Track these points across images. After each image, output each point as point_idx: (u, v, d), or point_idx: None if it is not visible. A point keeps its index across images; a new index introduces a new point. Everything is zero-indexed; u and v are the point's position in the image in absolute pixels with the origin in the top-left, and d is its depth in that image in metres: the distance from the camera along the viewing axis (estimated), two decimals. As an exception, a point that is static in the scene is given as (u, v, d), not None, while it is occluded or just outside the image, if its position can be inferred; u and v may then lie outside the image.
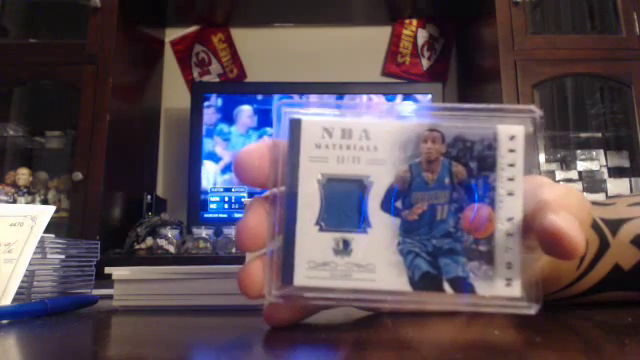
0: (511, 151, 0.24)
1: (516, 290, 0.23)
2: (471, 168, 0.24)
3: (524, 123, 0.24)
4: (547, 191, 0.26)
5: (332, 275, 0.24)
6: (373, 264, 0.24)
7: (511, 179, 0.24)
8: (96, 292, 0.45)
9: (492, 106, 0.25)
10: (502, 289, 0.23)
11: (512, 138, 0.24)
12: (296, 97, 1.92)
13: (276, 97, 1.92)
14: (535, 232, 0.24)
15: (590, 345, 0.22)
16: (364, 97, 1.93)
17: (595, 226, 0.34)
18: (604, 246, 0.34)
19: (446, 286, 0.24)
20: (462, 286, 0.23)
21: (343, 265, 0.24)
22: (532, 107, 0.24)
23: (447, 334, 0.26)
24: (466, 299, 0.24)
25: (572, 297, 0.35)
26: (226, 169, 1.91)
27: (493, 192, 0.24)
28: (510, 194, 0.24)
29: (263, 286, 0.24)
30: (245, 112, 1.92)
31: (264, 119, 1.92)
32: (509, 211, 0.24)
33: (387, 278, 0.24)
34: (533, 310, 0.23)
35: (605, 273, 0.34)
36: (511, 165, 0.24)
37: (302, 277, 0.24)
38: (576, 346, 0.22)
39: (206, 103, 1.91)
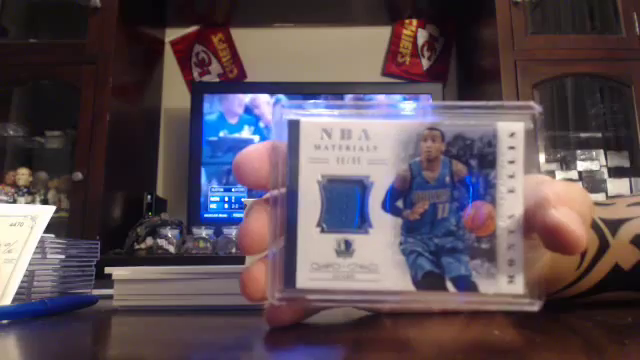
0: (511, 148, 0.24)
1: (519, 287, 0.23)
2: (471, 166, 0.24)
3: (524, 120, 0.24)
4: (547, 188, 0.26)
5: (335, 276, 0.24)
6: (376, 264, 0.24)
7: (511, 176, 0.24)
8: (96, 292, 0.45)
9: (491, 103, 0.25)
10: (505, 286, 0.23)
11: (512, 135, 0.24)
12: (293, 97, 1.92)
13: (279, 97, 1.92)
14: (536, 228, 0.24)
15: (590, 345, 0.22)
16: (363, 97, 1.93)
17: (595, 226, 0.34)
18: (604, 246, 0.34)
19: (449, 285, 0.24)
20: (465, 284, 0.23)
21: (346, 266, 0.24)
22: (531, 103, 0.24)
23: (447, 334, 0.26)
24: (469, 297, 0.24)
25: (572, 297, 0.35)
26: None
27: (494, 189, 0.24)
28: (511, 191, 0.24)
29: (266, 289, 0.24)
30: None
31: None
32: (510, 208, 0.24)
33: (390, 278, 0.24)
34: (536, 307, 0.23)
35: (605, 273, 0.34)
36: (511, 162, 0.24)
37: (305, 279, 0.24)
38: (576, 346, 0.22)
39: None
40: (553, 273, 0.32)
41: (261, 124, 1.91)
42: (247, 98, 1.92)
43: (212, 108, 1.91)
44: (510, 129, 0.24)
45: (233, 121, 1.91)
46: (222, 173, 1.89)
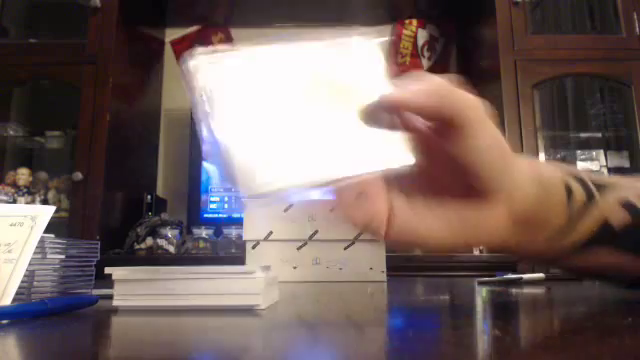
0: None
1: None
2: None
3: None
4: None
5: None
6: None
7: None
8: (96, 292, 0.45)
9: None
10: None
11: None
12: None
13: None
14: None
15: (590, 345, 0.22)
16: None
17: (580, 180, 0.36)
18: (590, 196, 0.36)
19: None
20: None
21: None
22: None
23: (447, 334, 0.26)
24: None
25: (566, 254, 0.36)
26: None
27: None
28: None
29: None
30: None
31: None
32: None
33: None
34: None
35: (596, 226, 0.35)
36: None
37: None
38: (576, 346, 0.22)
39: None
40: (542, 209, 0.34)
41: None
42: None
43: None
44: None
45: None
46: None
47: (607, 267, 0.36)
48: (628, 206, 0.36)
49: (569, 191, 0.35)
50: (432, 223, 0.33)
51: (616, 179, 0.38)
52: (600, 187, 0.36)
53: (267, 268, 0.36)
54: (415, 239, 0.34)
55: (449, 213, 0.33)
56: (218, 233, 1.74)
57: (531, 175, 0.35)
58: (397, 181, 0.34)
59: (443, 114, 0.31)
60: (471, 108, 0.32)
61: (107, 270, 0.36)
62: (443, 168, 0.33)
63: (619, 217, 0.35)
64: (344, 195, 0.32)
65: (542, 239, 0.35)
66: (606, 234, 0.35)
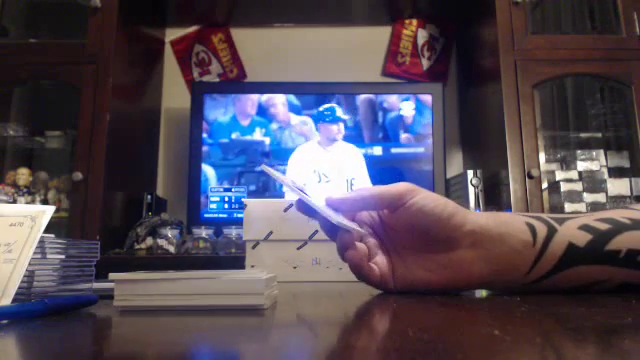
0: None
1: None
2: None
3: None
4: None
5: None
6: None
7: None
8: (96, 286, 0.45)
9: None
10: None
11: None
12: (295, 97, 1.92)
13: (277, 96, 1.92)
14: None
15: (590, 345, 0.22)
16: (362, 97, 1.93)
17: (538, 218, 0.42)
18: (552, 230, 0.41)
19: None
20: None
21: None
22: None
23: (447, 334, 0.26)
24: None
25: (546, 276, 0.40)
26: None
27: None
28: None
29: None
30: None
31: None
32: None
33: None
34: None
35: (563, 250, 0.40)
36: None
37: None
38: (576, 346, 0.22)
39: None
40: (511, 257, 0.40)
41: (273, 126, 1.91)
42: (264, 97, 1.92)
43: (226, 110, 1.92)
44: None
45: (245, 123, 1.92)
46: (234, 175, 1.89)
47: (584, 283, 0.41)
48: (587, 228, 0.41)
49: (532, 227, 0.41)
50: (420, 272, 0.43)
51: (573, 214, 0.44)
52: (558, 219, 0.42)
53: (267, 268, 0.36)
54: (411, 287, 0.44)
55: (429, 263, 0.42)
56: (218, 233, 1.74)
57: (489, 219, 0.42)
58: (392, 245, 0.45)
59: (385, 197, 0.42)
60: (401, 186, 0.42)
61: (111, 276, 0.37)
62: (409, 236, 0.43)
63: (581, 238, 0.40)
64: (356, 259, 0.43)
65: (517, 274, 0.41)
66: (574, 254, 0.40)
